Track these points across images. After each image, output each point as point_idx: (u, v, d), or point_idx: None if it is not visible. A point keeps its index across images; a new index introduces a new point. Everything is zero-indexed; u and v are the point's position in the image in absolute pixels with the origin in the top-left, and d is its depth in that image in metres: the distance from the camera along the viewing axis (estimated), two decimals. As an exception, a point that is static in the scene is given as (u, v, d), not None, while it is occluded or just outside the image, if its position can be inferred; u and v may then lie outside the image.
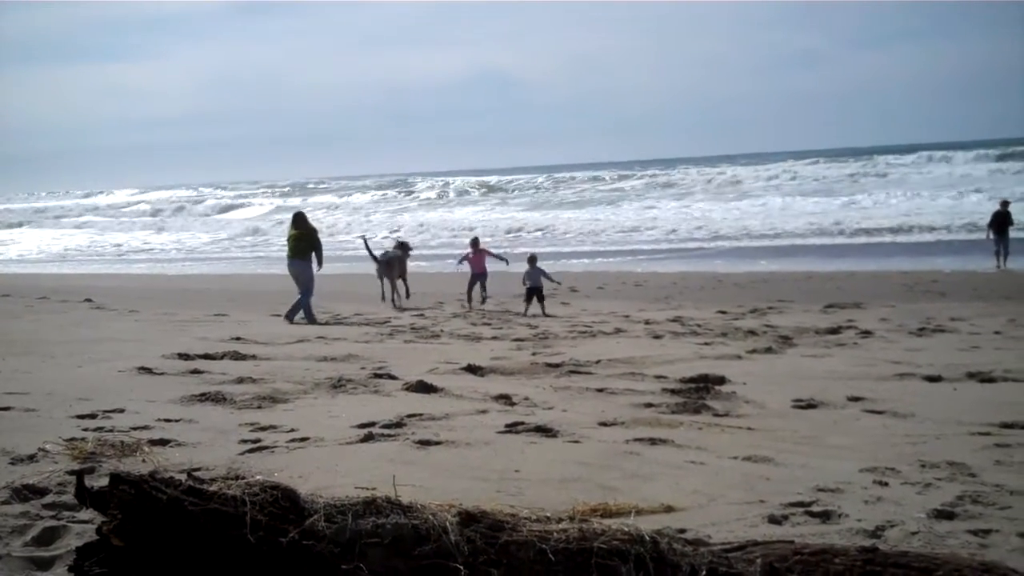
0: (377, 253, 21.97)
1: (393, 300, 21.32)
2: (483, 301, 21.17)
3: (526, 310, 19.20)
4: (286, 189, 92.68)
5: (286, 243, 19.27)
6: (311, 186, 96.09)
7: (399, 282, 21.70)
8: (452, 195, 76.30)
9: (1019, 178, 53.72)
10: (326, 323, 17.60)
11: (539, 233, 46.51)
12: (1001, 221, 27.69)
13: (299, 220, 19.31)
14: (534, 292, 19.27)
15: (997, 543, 5.08)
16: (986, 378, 10.48)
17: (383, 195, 79.65)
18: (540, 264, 20.01)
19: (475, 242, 22.21)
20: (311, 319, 17.91)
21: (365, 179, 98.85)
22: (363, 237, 26.94)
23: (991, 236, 27.66)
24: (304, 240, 18.82)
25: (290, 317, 17.88)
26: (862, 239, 36.48)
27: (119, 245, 54.61)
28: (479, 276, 21.40)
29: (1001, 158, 63.87)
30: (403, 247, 22.88)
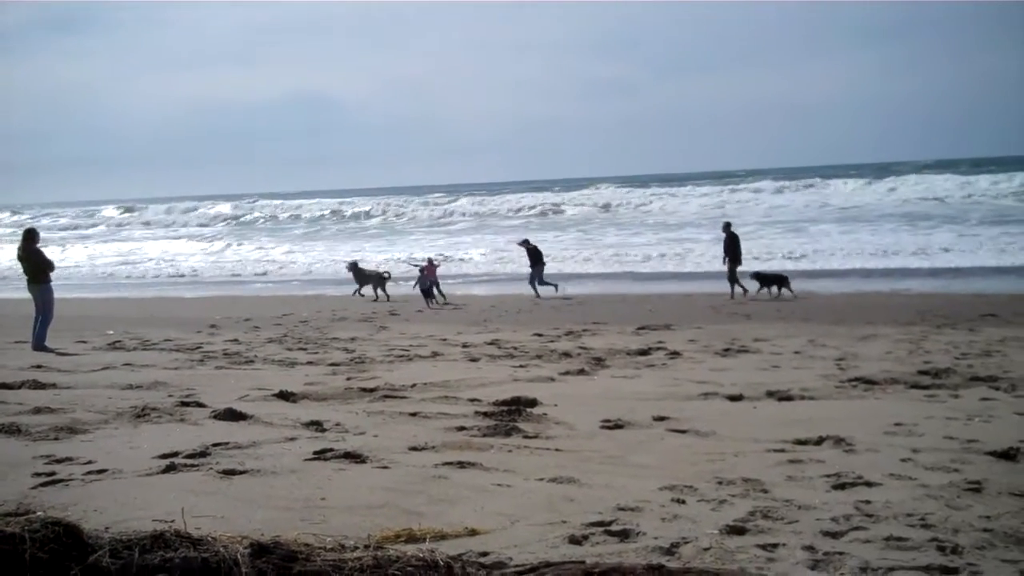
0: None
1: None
2: (441, 300, 26.86)
3: (428, 304, 26.01)
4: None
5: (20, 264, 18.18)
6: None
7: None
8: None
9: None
10: (133, 349, 16.97)
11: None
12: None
13: (26, 238, 17.89)
14: (426, 292, 26.58)
15: (783, 556, 5.32)
16: (784, 396, 10.95)
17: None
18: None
19: (431, 260, 29.24)
20: (40, 344, 17.02)
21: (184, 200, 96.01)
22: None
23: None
24: (29, 262, 17.67)
25: (39, 344, 16.93)
26: (670, 267, 37.02)
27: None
28: (432, 281, 27.20)
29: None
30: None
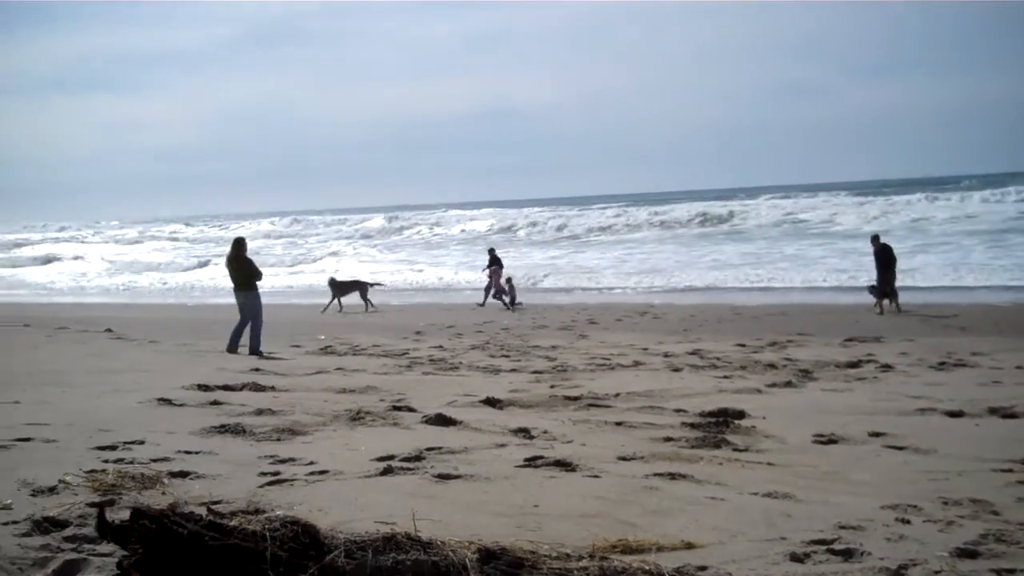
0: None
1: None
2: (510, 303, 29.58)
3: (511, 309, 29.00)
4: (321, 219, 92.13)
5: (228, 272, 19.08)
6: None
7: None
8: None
9: None
10: (344, 354, 17.57)
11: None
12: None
13: (236, 247, 18.77)
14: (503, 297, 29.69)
15: (1021, 583, 5.04)
16: (1008, 413, 10.39)
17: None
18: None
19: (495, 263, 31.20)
20: (255, 349, 17.72)
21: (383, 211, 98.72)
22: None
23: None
24: (238, 270, 18.46)
25: (254, 350, 17.65)
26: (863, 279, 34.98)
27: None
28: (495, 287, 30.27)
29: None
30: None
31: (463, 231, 74.30)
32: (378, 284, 32.28)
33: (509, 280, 30.34)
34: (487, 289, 30.79)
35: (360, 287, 30.32)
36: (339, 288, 30.19)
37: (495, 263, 31.05)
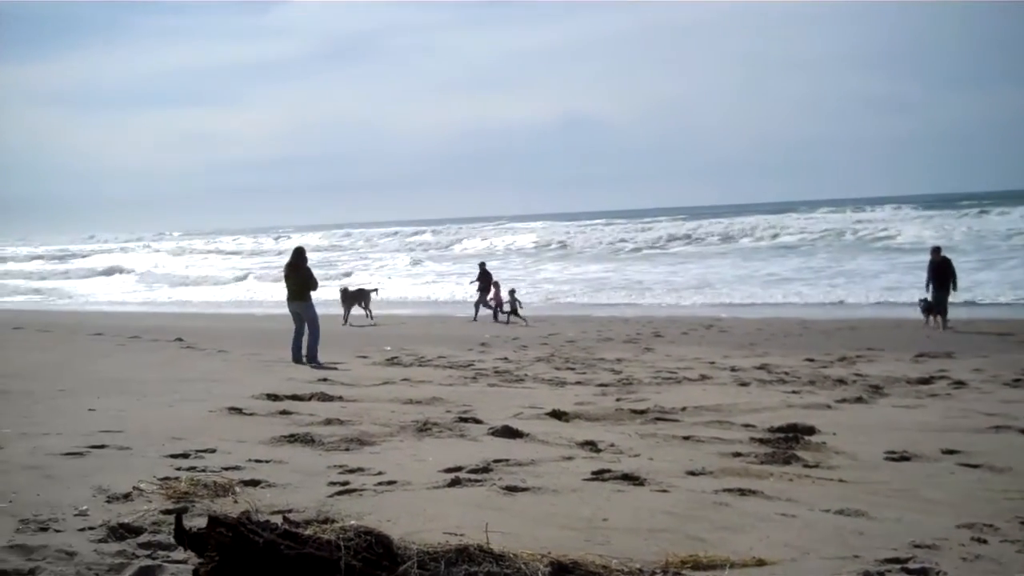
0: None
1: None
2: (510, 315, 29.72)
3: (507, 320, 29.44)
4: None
5: (284, 280, 19.31)
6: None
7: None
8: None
9: None
10: (410, 365, 17.65)
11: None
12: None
13: (296, 256, 18.97)
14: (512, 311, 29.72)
15: (1105, 607, 4.92)
16: (1086, 432, 10.16)
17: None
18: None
19: (496, 284, 31.38)
20: (312, 359, 17.93)
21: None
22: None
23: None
24: (296, 279, 18.66)
25: (312, 359, 17.86)
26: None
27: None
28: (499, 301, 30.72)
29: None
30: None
31: (528, 242, 74.21)
32: (374, 291, 32.12)
33: (512, 292, 30.53)
34: (477, 304, 31.13)
35: (363, 297, 30.34)
36: (348, 299, 29.99)
37: (486, 277, 31.27)
